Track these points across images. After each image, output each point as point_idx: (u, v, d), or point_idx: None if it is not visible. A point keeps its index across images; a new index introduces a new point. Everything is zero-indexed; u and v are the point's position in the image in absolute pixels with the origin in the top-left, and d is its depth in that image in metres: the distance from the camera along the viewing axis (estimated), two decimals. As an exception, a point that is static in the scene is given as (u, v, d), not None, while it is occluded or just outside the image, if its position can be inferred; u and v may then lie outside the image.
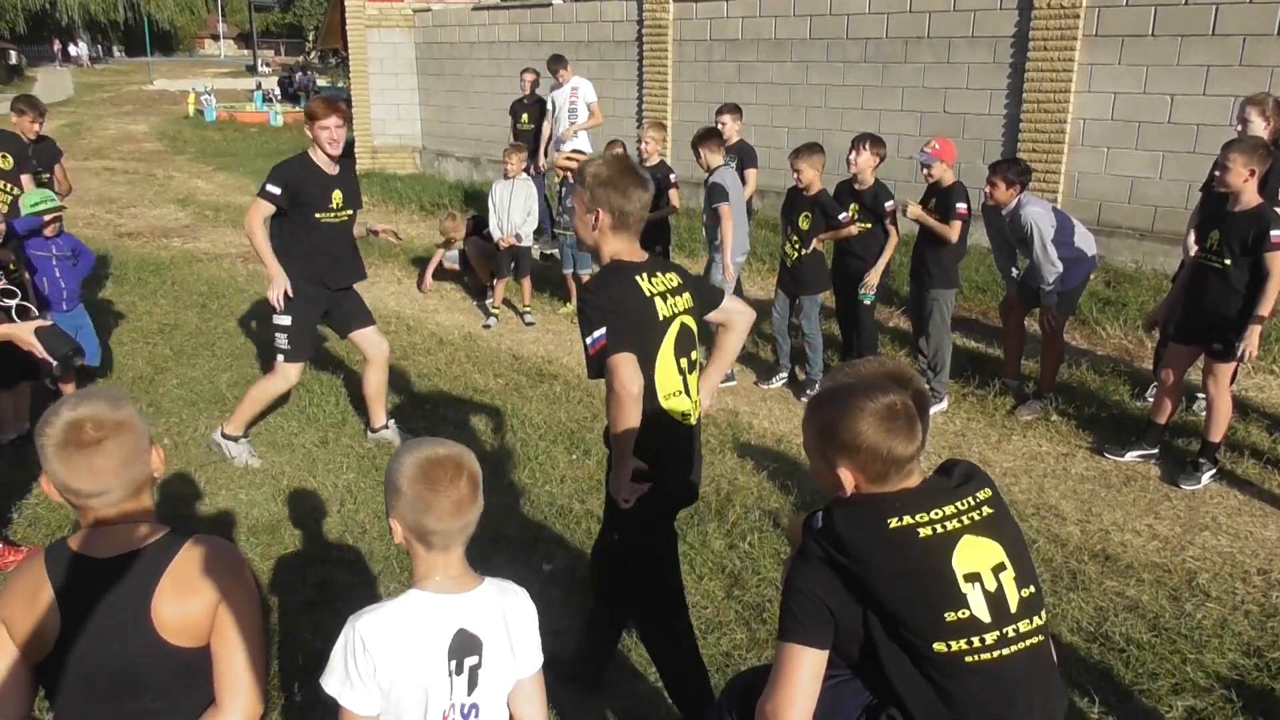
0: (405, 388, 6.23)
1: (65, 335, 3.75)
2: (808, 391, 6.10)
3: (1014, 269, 5.88)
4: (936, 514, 1.85)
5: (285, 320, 4.92)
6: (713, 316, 3.01)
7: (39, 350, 3.56)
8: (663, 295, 2.74)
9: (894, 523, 1.83)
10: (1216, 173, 4.72)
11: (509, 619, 1.92)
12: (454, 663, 1.84)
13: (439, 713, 1.84)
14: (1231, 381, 4.78)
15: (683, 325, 2.80)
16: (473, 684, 1.86)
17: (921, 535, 1.83)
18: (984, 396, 5.97)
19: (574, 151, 8.64)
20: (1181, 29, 7.91)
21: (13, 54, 44.17)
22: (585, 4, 13.23)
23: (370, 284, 6.54)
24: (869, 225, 5.91)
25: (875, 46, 9.85)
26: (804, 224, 5.96)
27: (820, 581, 1.87)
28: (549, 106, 10.08)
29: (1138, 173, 8.42)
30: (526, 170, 8.11)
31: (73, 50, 53.04)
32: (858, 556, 1.82)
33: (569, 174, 7.71)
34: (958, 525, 1.86)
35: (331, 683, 1.82)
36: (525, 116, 10.37)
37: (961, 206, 5.63)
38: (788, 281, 6.21)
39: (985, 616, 1.82)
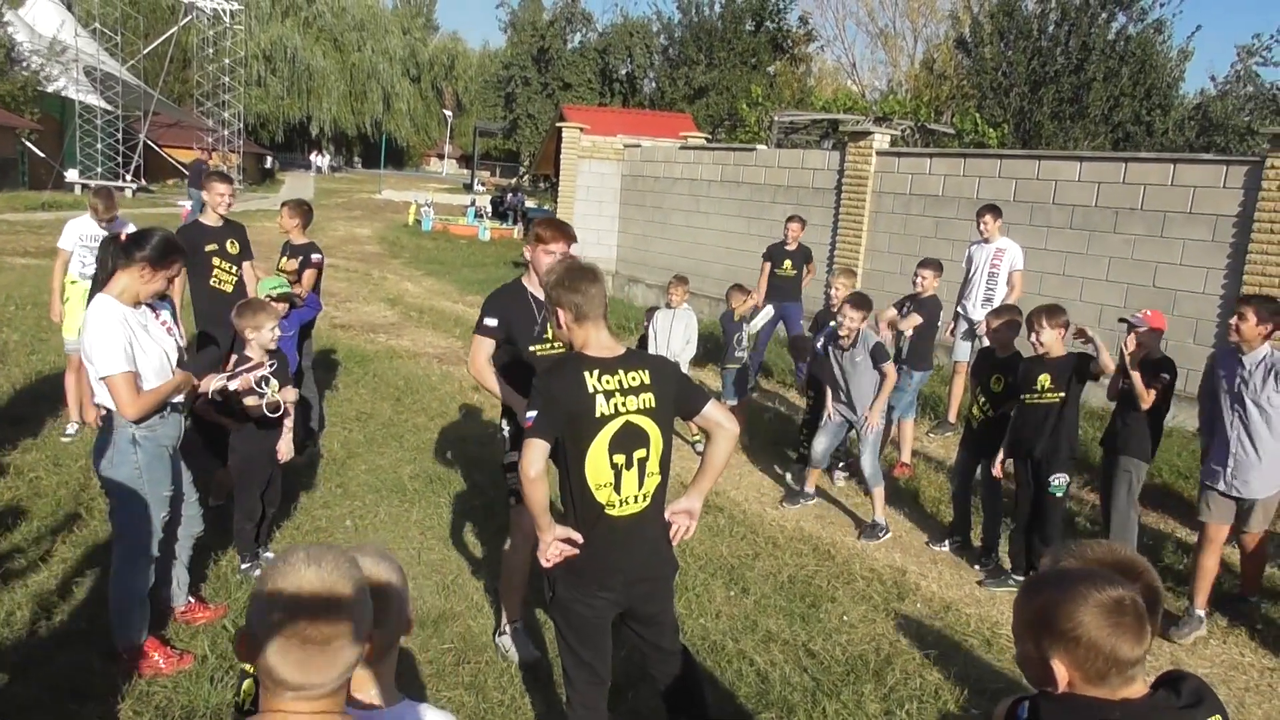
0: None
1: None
2: (981, 560, 5.80)
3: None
4: None
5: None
6: (696, 423, 3.20)
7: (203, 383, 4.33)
8: (609, 393, 2.94)
9: None
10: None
11: None
12: None
13: None
14: None
15: (627, 424, 2.96)
16: None
17: None
18: (1179, 591, 5.49)
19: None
20: None
21: (269, 159, 49.80)
22: (788, 151, 13.66)
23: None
24: (1062, 394, 5.32)
25: (1083, 214, 9.64)
26: (995, 386, 5.78)
27: None
28: (966, 259, 8.76)
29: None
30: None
31: (316, 159, 59.03)
32: None
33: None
34: None
35: None
36: (788, 263, 9.97)
37: (1166, 376, 5.31)
38: (970, 443, 6.01)
39: None
